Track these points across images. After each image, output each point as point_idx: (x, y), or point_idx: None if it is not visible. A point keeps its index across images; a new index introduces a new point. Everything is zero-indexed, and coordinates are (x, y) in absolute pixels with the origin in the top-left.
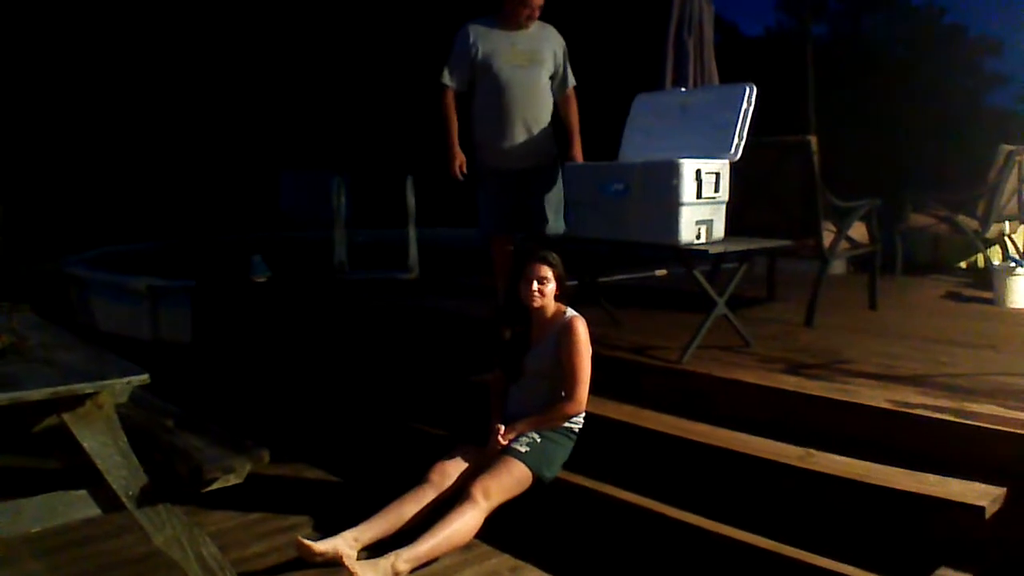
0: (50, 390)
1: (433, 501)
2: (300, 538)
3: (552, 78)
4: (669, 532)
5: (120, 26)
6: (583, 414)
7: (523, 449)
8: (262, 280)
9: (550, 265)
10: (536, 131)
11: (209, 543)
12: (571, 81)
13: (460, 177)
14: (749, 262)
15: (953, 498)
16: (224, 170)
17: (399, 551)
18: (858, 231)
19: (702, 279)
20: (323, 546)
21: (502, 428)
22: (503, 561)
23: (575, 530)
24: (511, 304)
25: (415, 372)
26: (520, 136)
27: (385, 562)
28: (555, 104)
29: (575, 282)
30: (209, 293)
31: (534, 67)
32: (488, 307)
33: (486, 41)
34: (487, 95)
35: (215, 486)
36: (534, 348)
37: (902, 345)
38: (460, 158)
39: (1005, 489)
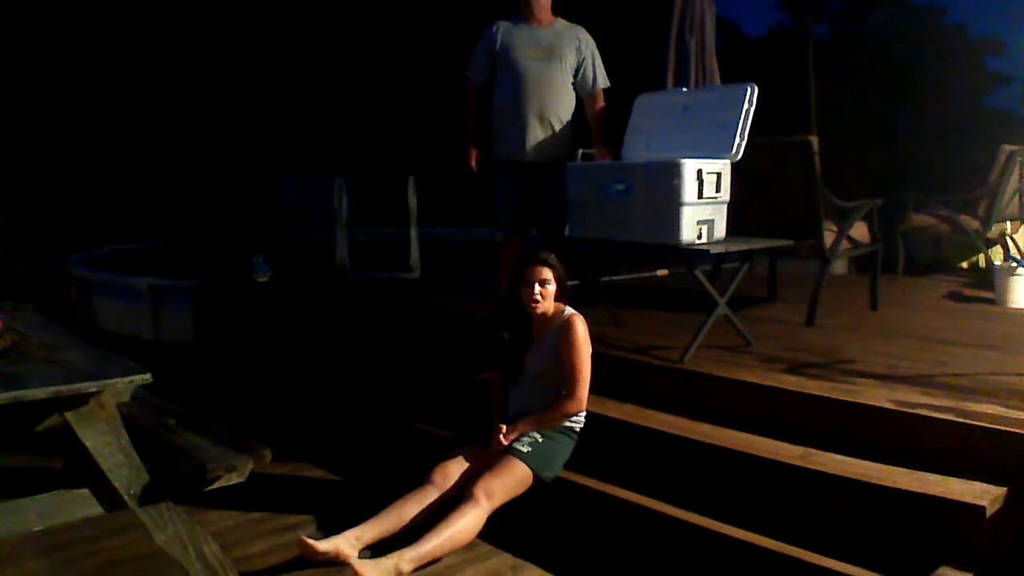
0: (53, 389)
1: (435, 501)
2: (302, 537)
3: (576, 75)
4: (670, 531)
5: (125, 27)
6: (584, 413)
7: (525, 449)
8: (264, 280)
9: (550, 267)
10: (551, 126)
11: (211, 542)
12: (601, 82)
13: (475, 170)
14: (750, 262)
15: (954, 498)
16: (227, 170)
17: (402, 551)
18: (859, 231)
19: (703, 279)
20: (325, 545)
21: (503, 428)
22: (504, 560)
23: (576, 529)
24: (510, 306)
25: (417, 372)
26: (534, 129)
27: (388, 562)
28: (582, 103)
29: (576, 282)
30: (211, 293)
31: (551, 60)
32: (491, 306)
33: (508, 35)
34: (504, 87)
35: (217, 485)
36: (534, 347)
37: (903, 345)
38: (475, 151)
39: (1006, 489)
